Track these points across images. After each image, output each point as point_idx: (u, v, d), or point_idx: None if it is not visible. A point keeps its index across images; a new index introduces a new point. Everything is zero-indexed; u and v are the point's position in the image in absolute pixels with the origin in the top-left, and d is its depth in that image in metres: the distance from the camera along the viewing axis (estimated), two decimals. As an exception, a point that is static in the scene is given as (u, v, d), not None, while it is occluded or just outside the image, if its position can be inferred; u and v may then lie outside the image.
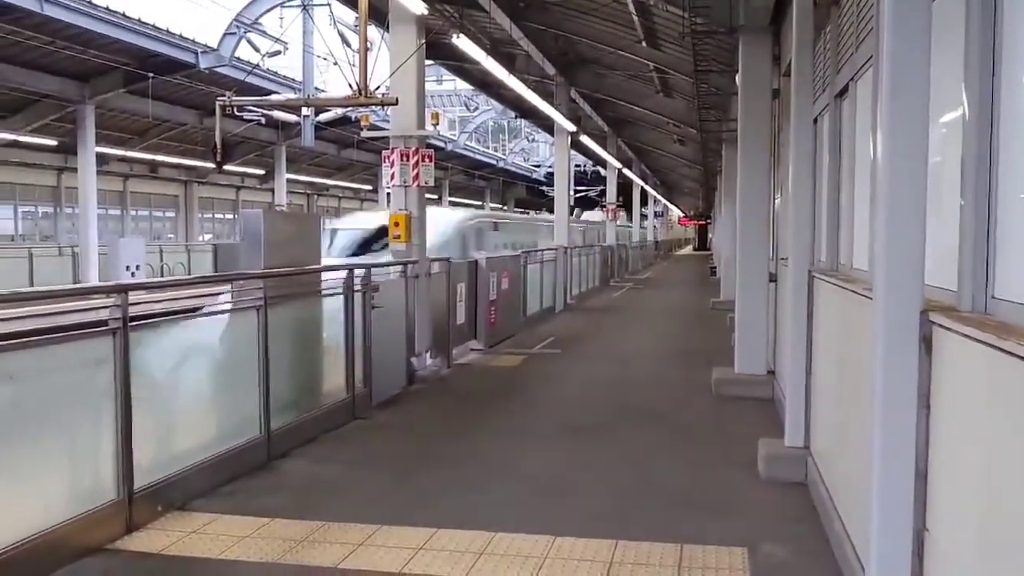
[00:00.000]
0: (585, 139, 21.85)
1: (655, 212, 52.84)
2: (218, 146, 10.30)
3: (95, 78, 20.59)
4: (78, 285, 5.79)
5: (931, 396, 2.90)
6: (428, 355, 9.80)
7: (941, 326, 2.80)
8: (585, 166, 47.64)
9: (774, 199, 9.36)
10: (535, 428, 7.49)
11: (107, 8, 17.74)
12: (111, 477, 4.66)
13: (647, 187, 41.35)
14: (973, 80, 2.78)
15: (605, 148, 26.22)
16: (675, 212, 68.58)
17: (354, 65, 9.61)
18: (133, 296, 4.77)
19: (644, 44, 14.55)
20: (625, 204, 34.83)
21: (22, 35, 16.96)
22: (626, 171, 30.84)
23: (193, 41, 20.32)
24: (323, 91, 24.59)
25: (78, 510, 4.42)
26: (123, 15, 18.16)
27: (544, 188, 50.18)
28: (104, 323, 4.54)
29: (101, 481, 4.65)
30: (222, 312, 6.27)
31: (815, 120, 6.31)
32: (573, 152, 25.18)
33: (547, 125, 24.66)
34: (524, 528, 4.78)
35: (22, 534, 4.07)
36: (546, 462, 6.36)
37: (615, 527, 4.82)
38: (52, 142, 23.51)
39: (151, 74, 19.47)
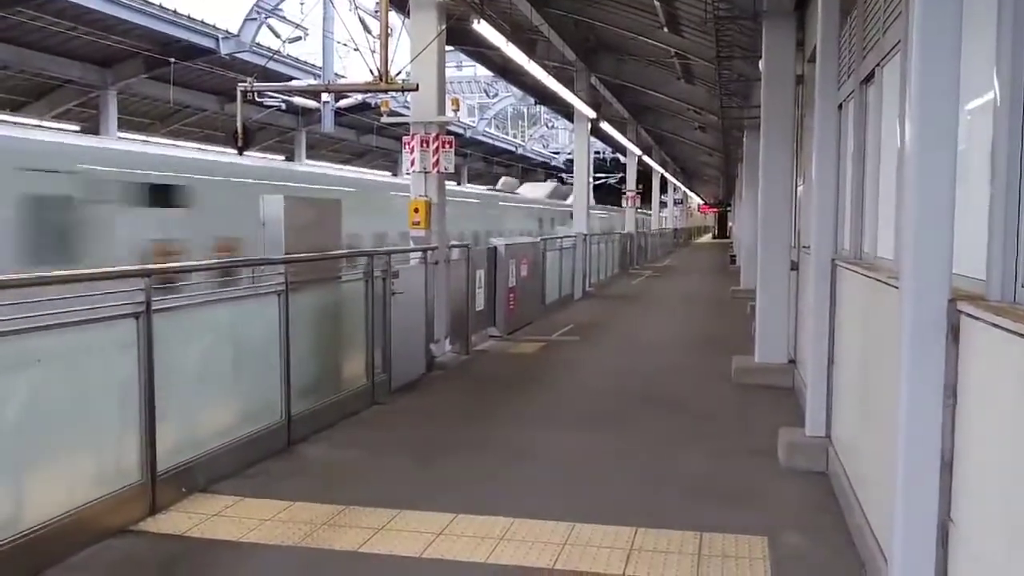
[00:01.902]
0: (605, 126, 21.75)
1: (675, 200, 52.57)
2: (239, 132, 10.32)
3: (117, 64, 20.68)
4: (101, 269, 5.80)
5: (958, 386, 2.87)
6: (447, 341, 9.82)
7: (969, 315, 2.77)
8: (604, 153, 47.45)
9: (796, 187, 9.28)
10: (554, 415, 7.49)
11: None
12: (135, 459, 4.71)
13: (667, 174, 41.13)
14: (1005, 65, 2.73)
15: (625, 135, 26.09)
16: (695, 200, 68.21)
17: (375, 51, 9.60)
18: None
19: (666, 30, 14.44)
20: (645, 191, 34.64)
21: (45, 20, 17.05)
22: (646, 158, 30.70)
23: (214, 27, 20.36)
24: (343, 77, 24.59)
25: (103, 491, 4.47)
26: (144, 1, 18.22)
27: (563, 175, 50.04)
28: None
29: (125, 463, 4.69)
30: (244, 297, 6.29)
31: (840, 106, 6.24)
32: (593, 139, 25.08)
33: (567, 112, 24.53)
34: (543, 514, 4.79)
35: (50, 514, 4.13)
36: (565, 449, 6.36)
37: (634, 514, 4.81)
38: (75, 127, 23.66)
39: (172, 60, 19.53)
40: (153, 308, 4.71)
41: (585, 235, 18.46)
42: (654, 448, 6.38)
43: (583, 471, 5.80)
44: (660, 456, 6.15)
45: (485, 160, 45.46)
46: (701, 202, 69.27)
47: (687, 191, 59.16)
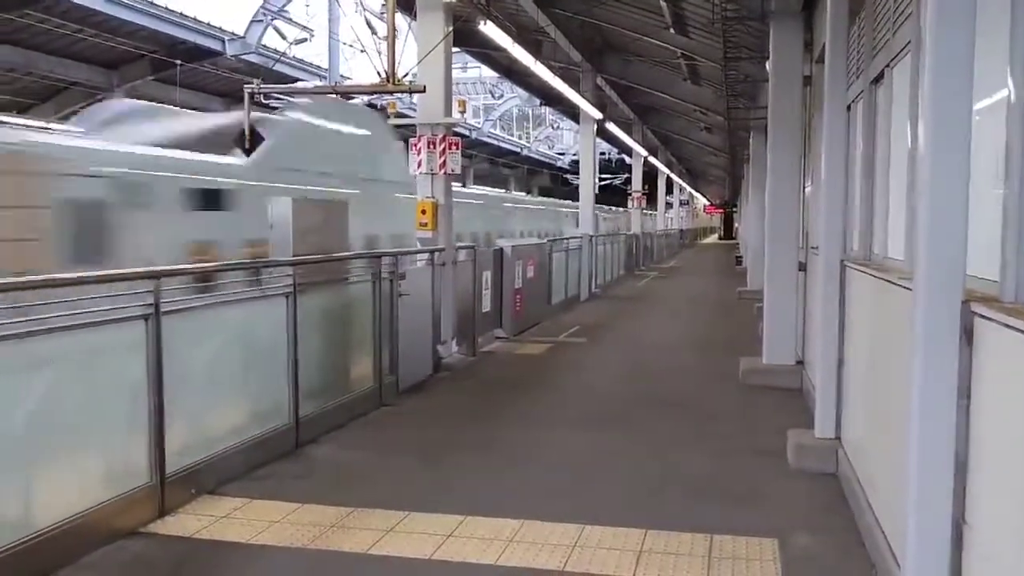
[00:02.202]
0: (611, 126, 21.74)
1: (680, 200, 52.53)
2: (247, 134, 10.33)
3: (123, 66, 20.74)
4: (112, 271, 5.82)
5: (972, 387, 2.86)
6: (454, 343, 9.81)
7: (983, 316, 2.76)
8: (610, 154, 47.45)
9: (804, 187, 9.26)
10: (562, 416, 7.48)
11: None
12: (144, 461, 4.71)
13: (673, 175, 41.10)
14: (1019, 64, 2.72)
15: (631, 136, 26.08)
16: (700, 200, 68.15)
17: (381, 53, 9.60)
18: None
19: (672, 31, 14.43)
20: (650, 192, 34.59)
21: (51, 23, 17.11)
22: (652, 159, 30.67)
23: (220, 29, 20.43)
24: (349, 79, 24.62)
25: (112, 493, 4.48)
26: (150, 2, 18.28)
27: (568, 176, 50.05)
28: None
29: (134, 465, 4.69)
30: (253, 299, 6.29)
31: (848, 107, 6.22)
32: (598, 140, 25.07)
33: (572, 113, 24.55)
34: (552, 516, 4.78)
35: (61, 515, 4.14)
36: (573, 450, 6.35)
37: (644, 516, 4.80)
38: (81, 130, 23.70)
39: (179, 62, 19.58)
40: (162, 310, 4.71)
41: (591, 236, 18.45)
42: (662, 449, 6.36)
43: (591, 472, 5.79)
44: (669, 457, 6.14)
45: (491, 161, 45.49)
46: (707, 203, 69.20)
47: (693, 192, 59.13)
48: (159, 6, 18.56)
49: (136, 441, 4.71)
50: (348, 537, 4.51)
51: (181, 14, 19.24)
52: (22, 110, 21.19)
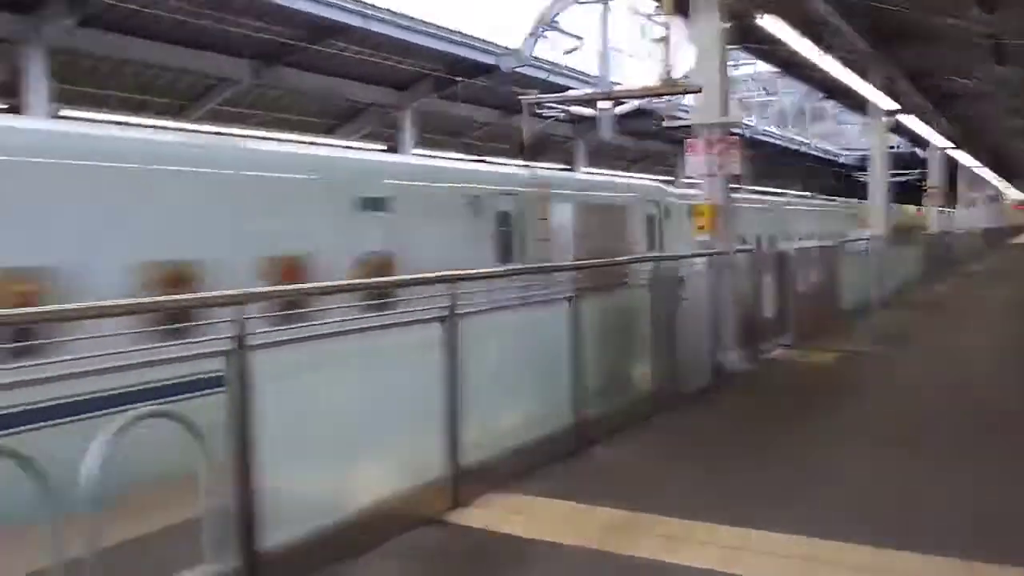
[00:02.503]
0: (904, 118, 20.05)
1: (988, 196, 47.38)
2: (525, 144, 10.73)
3: (411, 86, 22.38)
4: (411, 276, 6.32)
5: None
6: (734, 349, 9.48)
7: None
8: (899, 147, 43.83)
9: None
10: (856, 431, 6.94)
11: (421, 20, 19.24)
12: (440, 454, 4.97)
13: (976, 168, 37.15)
14: None
15: (929, 126, 23.89)
16: (1011, 195, 60.92)
17: (654, 55, 9.55)
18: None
19: (977, 10, 13.02)
20: (950, 188, 31.39)
21: (351, 50, 18.86)
22: (950, 151, 27.92)
23: (494, 44, 21.42)
24: (618, 84, 24.75)
25: (413, 483, 4.78)
26: (435, 25, 19.58)
27: (854, 174, 46.94)
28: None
29: (432, 458, 4.96)
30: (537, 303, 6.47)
31: None
32: (889, 133, 23.24)
33: (856, 105, 22.92)
34: (850, 537, 4.41)
35: (372, 500, 4.49)
36: (872, 469, 5.84)
37: (965, 547, 4.27)
38: (381, 146, 25.87)
39: (460, 78, 20.78)
40: (457, 312, 4.96)
41: (882, 237, 17.12)
42: (984, 475, 5.61)
43: (894, 495, 5.28)
44: (993, 484, 5.40)
45: (768, 160, 43.78)
46: (1021, 197, 61.67)
47: (1000, 187, 53.08)
48: (444, 27, 19.81)
49: (433, 435, 4.98)
50: (632, 541, 4.47)
51: (461, 33, 20.40)
52: (328, 130, 23.57)
